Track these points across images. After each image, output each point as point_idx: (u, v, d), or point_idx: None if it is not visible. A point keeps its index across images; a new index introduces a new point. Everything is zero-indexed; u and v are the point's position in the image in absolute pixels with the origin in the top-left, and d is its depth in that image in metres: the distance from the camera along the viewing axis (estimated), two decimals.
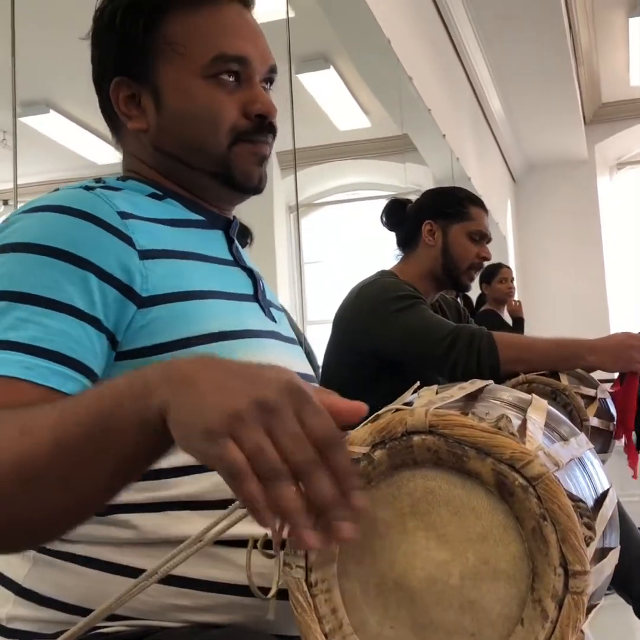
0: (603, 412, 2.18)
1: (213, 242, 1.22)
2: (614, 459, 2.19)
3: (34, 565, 1.06)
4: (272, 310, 1.26)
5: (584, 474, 0.94)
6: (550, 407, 1.04)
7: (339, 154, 7.59)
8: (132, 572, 1.01)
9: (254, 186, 1.22)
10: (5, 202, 4.40)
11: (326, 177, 7.72)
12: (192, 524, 1.02)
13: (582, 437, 1.02)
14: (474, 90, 6.92)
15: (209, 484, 1.04)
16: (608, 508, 0.96)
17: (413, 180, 6.86)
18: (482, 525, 0.73)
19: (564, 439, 0.97)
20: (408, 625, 0.74)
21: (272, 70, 1.23)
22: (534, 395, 1.05)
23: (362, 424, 0.94)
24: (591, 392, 2.17)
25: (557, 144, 8.48)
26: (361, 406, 0.75)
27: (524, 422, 0.87)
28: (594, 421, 2.05)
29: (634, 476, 2.20)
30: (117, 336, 1.03)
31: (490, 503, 0.73)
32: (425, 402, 0.81)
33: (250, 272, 1.25)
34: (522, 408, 0.97)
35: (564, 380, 2.12)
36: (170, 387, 0.71)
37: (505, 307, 5.80)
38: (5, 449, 0.78)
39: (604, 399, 2.23)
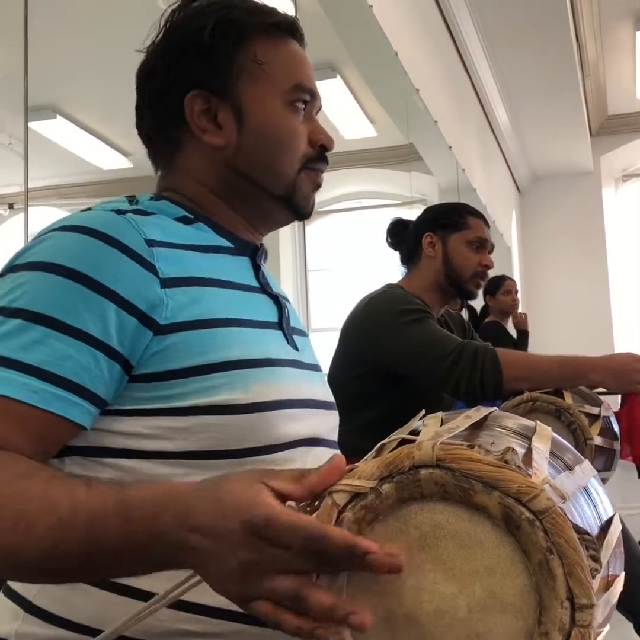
0: (606, 431, 2.18)
1: (240, 268, 1.23)
2: (616, 471, 2.21)
3: (45, 584, 1.06)
4: (296, 337, 1.27)
5: (588, 503, 0.95)
6: (554, 434, 1.05)
7: (345, 162, 7.59)
8: (140, 594, 1.02)
9: (308, 212, 1.26)
10: (11, 206, 4.41)
11: (331, 186, 7.72)
12: None
13: (586, 464, 1.02)
14: (480, 101, 6.92)
15: None
16: (613, 535, 0.96)
17: (418, 189, 6.86)
18: (489, 558, 0.74)
19: (569, 467, 0.98)
20: None
21: (319, 110, 1.29)
22: (537, 422, 1.05)
23: (369, 454, 0.95)
24: (595, 410, 2.18)
25: (562, 155, 8.48)
26: (336, 463, 0.81)
27: (529, 451, 0.88)
28: (598, 440, 2.06)
29: None
30: (132, 361, 1.03)
31: (497, 536, 0.74)
32: (431, 433, 0.82)
33: (276, 299, 1.26)
34: (526, 436, 0.98)
35: (568, 398, 2.12)
36: (184, 558, 0.81)
37: (510, 319, 5.79)
38: None
39: (608, 417, 2.24)
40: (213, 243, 1.20)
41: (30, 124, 3.17)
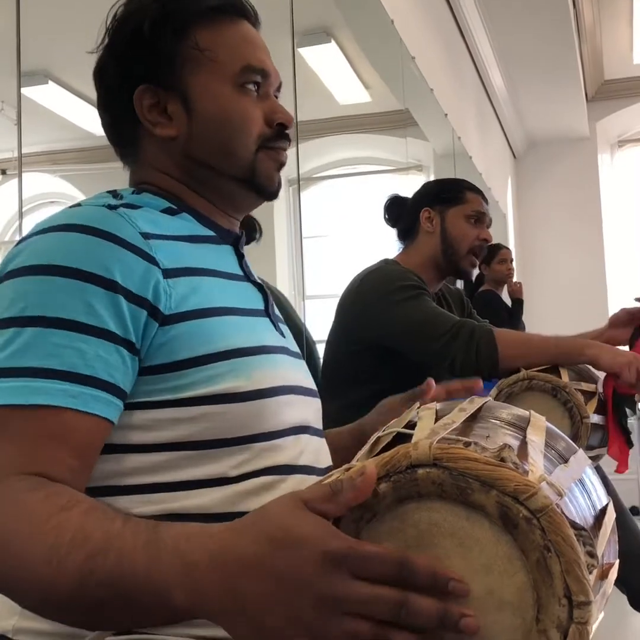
0: (602, 408, 2.19)
1: (225, 257, 1.23)
2: None
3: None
4: (280, 325, 1.27)
5: (583, 494, 0.95)
6: (548, 424, 1.05)
7: (339, 128, 7.53)
8: None
9: (274, 191, 1.26)
10: (4, 172, 4.38)
11: (326, 151, 7.68)
12: None
13: (580, 454, 1.03)
14: (476, 67, 6.88)
15: (219, 497, 1.06)
16: (607, 525, 0.97)
17: (414, 155, 6.82)
18: (487, 556, 0.74)
19: (564, 457, 0.98)
20: None
21: (279, 88, 1.29)
22: (531, 411, 1.06)
23: (363, 448, 0.95)
24: (591, 387, 2.18)
25: (558, 120, 8.44)
26: (367, 477, 0.74)
27: (524, 444, 0.88)
28: (594, 418, 2.06)
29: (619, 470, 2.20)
30: (141, 354, 1.04)
31: (494, 534, 0.74)
32: (427, 431, 0.82)
33: (260, 287, 1.26)
34: (520, 427, 0.98)
35: (565, 375, 2.13)
36: (222, 603, 0.73)
37: (505, 288, 5.79)
38: (27, 568, 0.84)
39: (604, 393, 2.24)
40: (198, 233, 1.20)
41: (22, 90, 3.14)
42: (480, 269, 5.72)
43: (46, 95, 4.70)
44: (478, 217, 2.59)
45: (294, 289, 6.39)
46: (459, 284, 5.44)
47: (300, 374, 1.25)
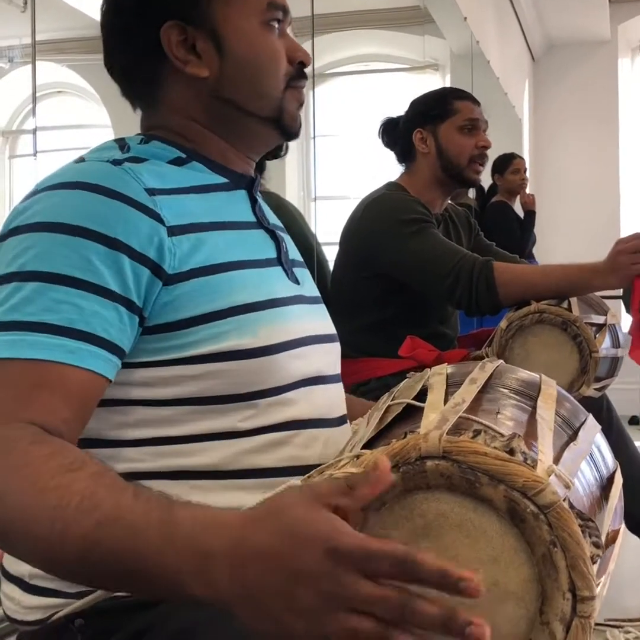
0: (612, 339, 2.19)
1: (237, 204, 1.22)
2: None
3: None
4: (296, 270, 1.26)
5: (592, 467, 0.96)
6: (559, 389, 1.05)
7: (353, 22, 7.35)
8: None
9: (297, 131, 1.25)
10: (11, 60, 4.32)
11: (339, 47, 7.50)
12: (212, 493, 1.03)
13: (589, 422, 1.03)
14: None
15: (228, 452, 1.07)
16: (614, 496, 0.98)
17: (430, 53, 6.69)
18: (493, 548, 0.75)
19: (572, 426, 0.98)
20: None
21: (290, 23, 1.25)
22: (542, 377, 1.05)
23: (371, 414, 0.95)
24: (601, 319, 2.18)
25: (579, 22, 8.23)
26: (383, 472, 0.71)
27: (533, 421, 0.88)
28: (603, 352, 2.06)
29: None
30: (145, 313, 1.04)
31: (501, 527, 0.75)
32: (437, 413, 0.81)
33: (273, 234, 1.25)
34: (530, 396, 0.98)
35: (575, 307, 2.12)
36: (231, 590, 0.72)
37: (518, 199, 5.72)
38: (28, 528, 0.83)
39: (614, 325, 2.24)
40: (208, 182, 1.18)
41: None
42: (493, 179, 5.66)
43: None
44: (472, 125, 2.52)
45: (304, 190, 6.34)
46: (471, 193, 5.41)
47: (315, 321, 1.25)
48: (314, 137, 6.97)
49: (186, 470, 1.06)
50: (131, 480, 1.03)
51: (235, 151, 1.23)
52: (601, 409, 2.38)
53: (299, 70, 1.22)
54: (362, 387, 2.26)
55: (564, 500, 0.73)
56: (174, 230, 1.06)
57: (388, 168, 2.77)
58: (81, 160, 1.11)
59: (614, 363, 2.24)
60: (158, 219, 1.05)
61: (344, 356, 2.35)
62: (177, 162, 1.17)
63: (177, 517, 0.78)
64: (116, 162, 1.08)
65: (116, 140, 1.16)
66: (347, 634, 0.68)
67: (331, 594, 0.68)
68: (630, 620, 2.59)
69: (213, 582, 0.73)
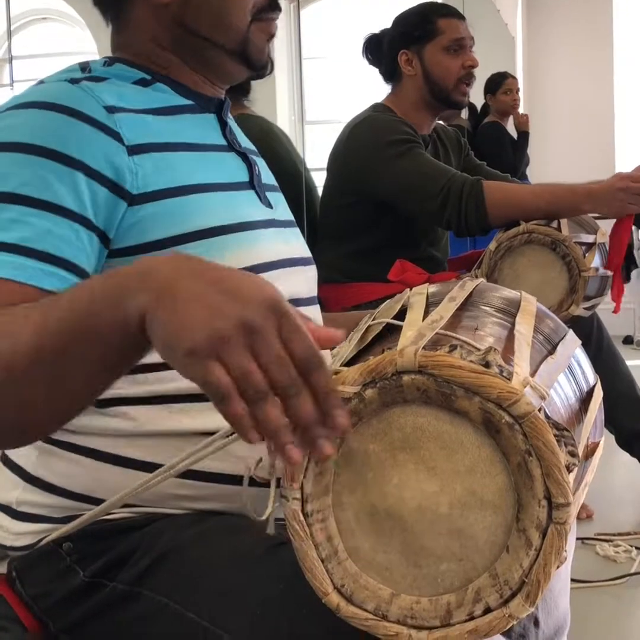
0: (602, 258, 2.20)
1: (205, 127, 1.21)
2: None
3: (40, 454, 1.09)
4: (269, 194, 1.25)
5: (570, 380, 0.97)
6: (538, 305, 1.06)
7: None
8: (131, 463, 1.05)
9: (264, 63, 1.23)
10: None
11: None
12: (191, 417, 1.05)
13: (569, 336, 1.04)
14: None
15: None
16: (593, 409, 0.99)
17: None
18: (470, 458, 0.76)
19: (551, 342, 0.99)
20: (399, 550, 0.78)
21: None
22: (522, 294, 1.06)
23: (353, 334, 0.96)
24: (590, 238, 2.19)
25: None
26: (337, 334, 0.75)
27: (511, 336, 0.89)
28: (592, 270, 2.07)
29: (615, 311, 2.24)
30: (109, 234, 1.03)
31: (477, 438, 0.76)
32: (414, 330, 0.82)
33: (245, 156, 1.23)
34: (510, 312, 0.99)
35: (564, 227, 2.12)
36: (147, 295, 0.71)
37: (510, 119, 5.67)
38: None
39: (603, 243, 2.25)
40: (174, 103, 1.17)
41: None
42: (485, 99, 5.61)
43: None
44: (458, 45, 2.50)
45: (294, 114, 6.27)
46: (464, 114, 5.36)
47: (289, 245, 1.24)
48: (300, 59, 6.85)
49: (164, 395, 1.06)
50: (110, 404, 1.05)
51: (202, 79, 1.22)
52: (591, 328, 2.40)
53: (270, 2, 1.20)
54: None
55: (539, 410, 0.74)
56: (134, 149, 1.05)
57: (380, 91, 2.73)
58: (41, 82, 1.11)
59: (604, 282, 2.24)
60: (117, 137, 1.04)
61: (334, 281, 2.39)
62: (141, 82, 1.16)
63: (118, 268, 0.78)
64: (73, 81, 1.07)
65: (80, 63, 1.15)
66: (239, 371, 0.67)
67: (249, 329, 0.67)
68: (619, 534, 2.65)
69: (153, 273, 0.72)
